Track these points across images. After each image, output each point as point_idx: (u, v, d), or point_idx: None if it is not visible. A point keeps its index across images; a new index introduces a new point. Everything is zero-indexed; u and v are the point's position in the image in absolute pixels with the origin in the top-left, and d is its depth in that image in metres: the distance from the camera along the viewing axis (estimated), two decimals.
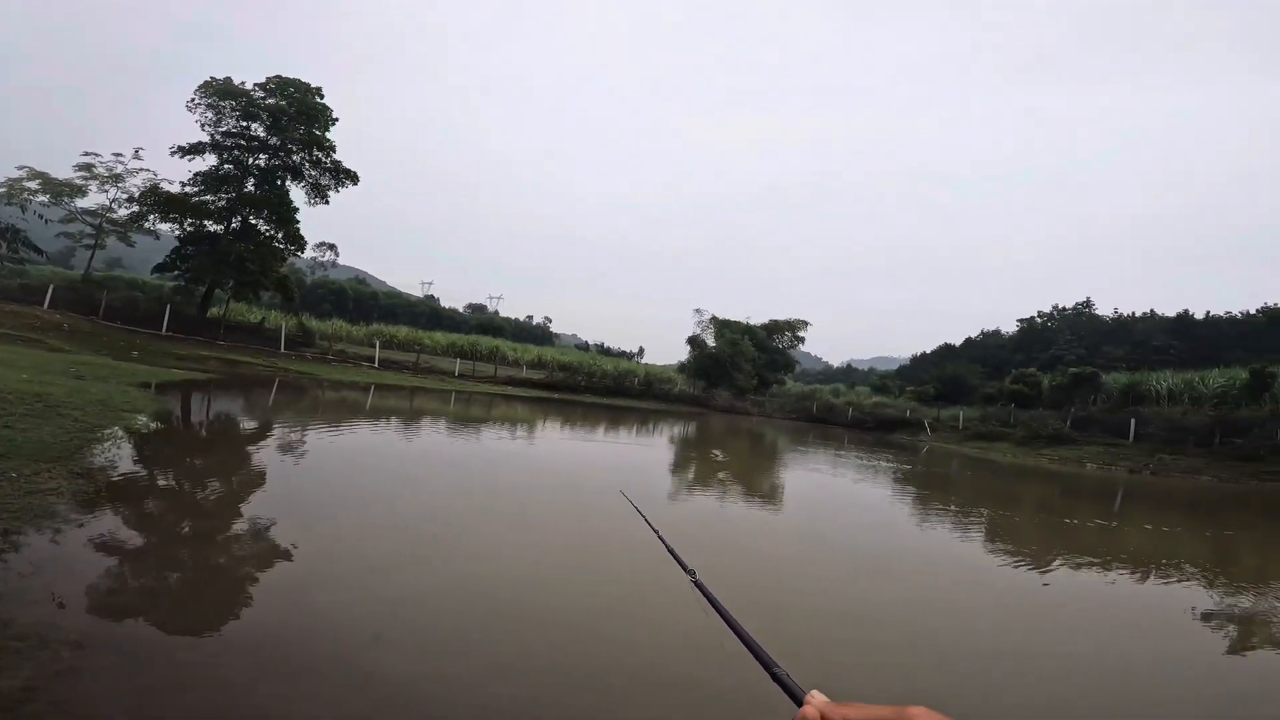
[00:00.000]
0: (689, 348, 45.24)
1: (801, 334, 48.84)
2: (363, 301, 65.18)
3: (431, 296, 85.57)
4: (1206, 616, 5.70)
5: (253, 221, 28.94)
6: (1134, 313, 71.01)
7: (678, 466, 14.54)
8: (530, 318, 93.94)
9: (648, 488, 10.84)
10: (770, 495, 11.22)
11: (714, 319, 45.39)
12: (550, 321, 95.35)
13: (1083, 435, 26.03)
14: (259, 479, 7.70)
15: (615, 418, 27.20)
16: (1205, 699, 4.21)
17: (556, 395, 35.05)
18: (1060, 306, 73.69)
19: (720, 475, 13.18)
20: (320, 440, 10.69)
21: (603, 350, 78.86)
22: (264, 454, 9.25)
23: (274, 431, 11.30)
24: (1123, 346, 62.74)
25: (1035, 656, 4.61)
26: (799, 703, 0.63)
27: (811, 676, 0.68)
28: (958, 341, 79.60)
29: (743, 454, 18.86)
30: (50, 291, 24.46)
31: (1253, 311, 57.67)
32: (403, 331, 49.57)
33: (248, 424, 12.37)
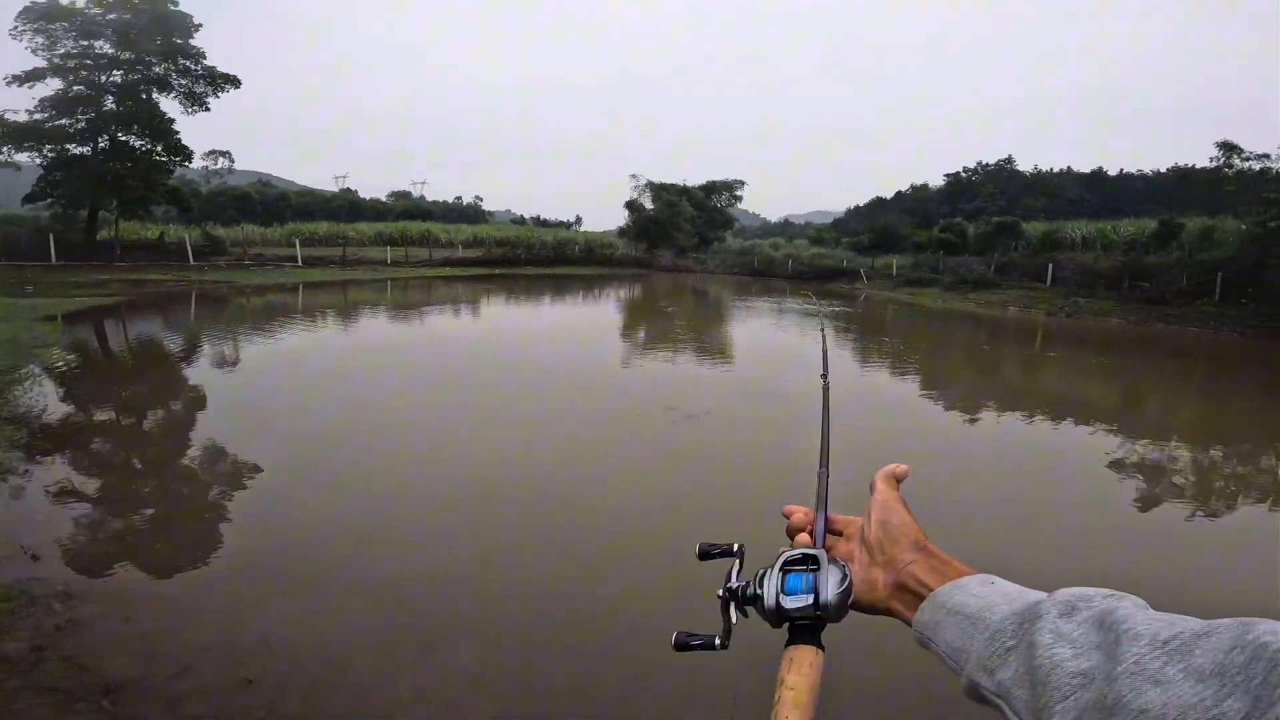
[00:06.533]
0: (627, 212, 44.79)
1: (739, 193, 48.42)
2: (271, 203, 60.86)
3: (348, 189, 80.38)
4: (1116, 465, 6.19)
5: (123, 139, 27.36)
6: (1052, 168, 73.29)
7: (629, 326, 14.73)
8: (460, 199, 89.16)
9: (608, 348, 11.06)
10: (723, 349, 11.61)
11: (650, 183, 44.68)
12: (482, 200, 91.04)
13: (1005, 280, 27.26)
14: (200, 399, 7.46)
15: (561, 285, 27.43)
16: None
17: (498, 271, 34.64)
18: (984, 163, 74.32)
19: (676, 324, 13.48)
20: (257, 348, 10.31)
21: (540, 222, 76.66)
22: (199, 371, 8.90)
23: (203, 346, 10.80)
24: (1041, 199, 65.19)
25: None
26: None
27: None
28: (889, 195, 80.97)
29: (690, 307, 19.37)
30: None
31: (1163, 170, 59.90)
32: (323, 227, 46.83)
33: (172, 342, 11.74)
